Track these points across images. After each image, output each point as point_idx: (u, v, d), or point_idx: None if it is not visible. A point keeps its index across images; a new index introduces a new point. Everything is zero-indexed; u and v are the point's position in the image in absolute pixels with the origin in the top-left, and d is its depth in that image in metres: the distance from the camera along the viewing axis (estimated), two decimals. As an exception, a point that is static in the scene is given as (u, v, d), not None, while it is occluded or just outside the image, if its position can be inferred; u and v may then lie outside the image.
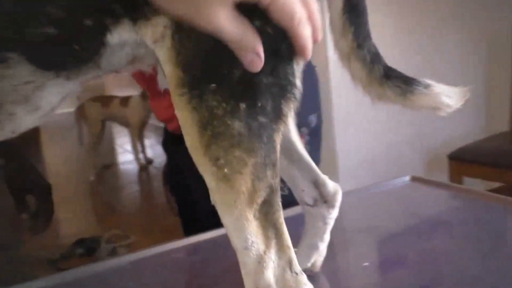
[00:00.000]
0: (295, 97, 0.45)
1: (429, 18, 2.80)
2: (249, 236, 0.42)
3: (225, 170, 0.42)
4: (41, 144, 5.78)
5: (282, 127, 0.44)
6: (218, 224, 0.45)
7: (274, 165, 0.43)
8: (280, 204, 0.44)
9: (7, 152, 1.08)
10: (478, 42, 2.98)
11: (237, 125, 0.42)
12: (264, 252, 0.42)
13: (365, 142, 2.71)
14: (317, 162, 1.10)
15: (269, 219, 0.43)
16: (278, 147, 0.44)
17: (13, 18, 0.44)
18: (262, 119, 0.42)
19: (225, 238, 0.45)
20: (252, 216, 0.42)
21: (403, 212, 0.91)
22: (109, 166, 4.64)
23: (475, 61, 2.99)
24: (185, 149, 0.44)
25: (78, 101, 4.64)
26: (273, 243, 0.43)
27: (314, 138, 1.05)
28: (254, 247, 0.42)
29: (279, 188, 0.44)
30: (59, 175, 4.76)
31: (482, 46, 3.00)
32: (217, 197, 0.43)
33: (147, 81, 1.04)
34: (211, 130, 0.42)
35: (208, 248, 0.84)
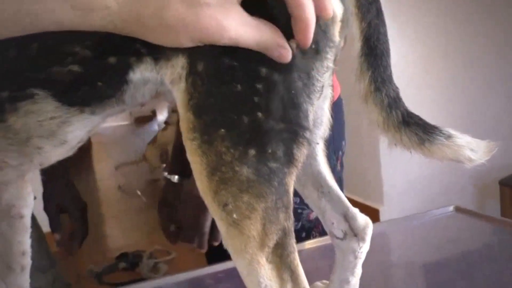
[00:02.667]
0: (308, 142, 0.44)
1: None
2: (262, 280, 0.42)
3: (234, 215, 0.42)
4: (92, 157, 5.96)
5: (294, 171, 0.44)
6: None
7: (287, 208, 0.43)
8: (294, 245, 0.44)
9: (49, 168, 1.08)
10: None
11: (246, 171, 0.41)
12: None
13: (411, 167, 2.64)
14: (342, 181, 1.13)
15: (283, 262, 0.43)
16: (291, 189, 0.44)
17: (40, 57, 0.46)
18: (272, 164, 0.42)
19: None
20: (264, 259, 0.42)
21: (445, 244, 0.89)
22: (156, 180, 4.73)
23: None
24: None
25: (131, 116, 4.73)
26: (289, 286, 0.42)
27: (343, 162, 1.11)
28: None
29: (293, 230, 0.44)
30: (107, 189, 4.89)
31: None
32: (228, 241, 0.43)
33: None
34: (219, 176, 0.42)
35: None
